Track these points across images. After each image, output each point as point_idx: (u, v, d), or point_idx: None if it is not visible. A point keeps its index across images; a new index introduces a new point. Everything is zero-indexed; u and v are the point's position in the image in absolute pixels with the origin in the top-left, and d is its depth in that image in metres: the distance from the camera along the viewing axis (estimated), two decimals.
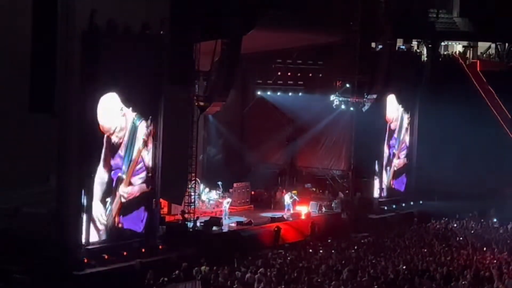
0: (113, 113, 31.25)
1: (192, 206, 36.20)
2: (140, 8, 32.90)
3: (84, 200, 30.60)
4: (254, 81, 47.57)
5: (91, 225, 29.84)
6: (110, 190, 31.01)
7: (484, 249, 35.74)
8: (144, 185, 32.23)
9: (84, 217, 30.65)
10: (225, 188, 42.61)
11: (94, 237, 29.98)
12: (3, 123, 31.79)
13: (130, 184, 31.72)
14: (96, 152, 30.25)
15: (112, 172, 30.74)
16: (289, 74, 47.04)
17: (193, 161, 36.30)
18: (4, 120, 31.71)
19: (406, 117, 49.38)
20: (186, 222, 35.84)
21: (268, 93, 47.56)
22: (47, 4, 29.33)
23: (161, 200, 35.02)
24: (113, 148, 30.82)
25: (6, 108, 31.50)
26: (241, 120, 48.87)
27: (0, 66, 31.50)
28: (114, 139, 31.16)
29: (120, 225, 30.45)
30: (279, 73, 47.04)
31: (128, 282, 29.34)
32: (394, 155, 48.35)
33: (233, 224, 38.64)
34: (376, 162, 46.76)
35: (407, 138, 49.55)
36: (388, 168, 47.75)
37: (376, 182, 46.77)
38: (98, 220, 30.42)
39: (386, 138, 47.66)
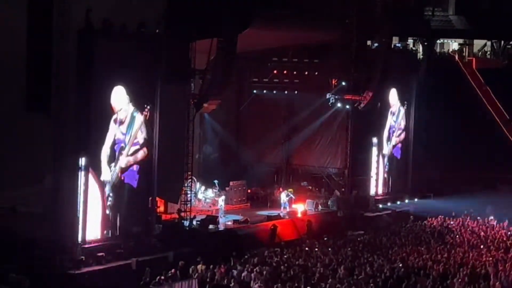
0: (121, 96, 31.72)
1: (189, 205, 36.20)
2: (136, 7, 32.92)
3: (80, 199, 30.67)
4: (250, 79, 47.56)
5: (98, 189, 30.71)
6: (114, 158, 31.53)
7: (481, 246, 35.76)
8: (138, 155, 32.39)
9: (80, 216, 30.68)
10: (222, 187, 42.61)
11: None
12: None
13: (128, 155, 32.11)
14: (105, 128, 31.06)
15: (116, 145, 31.51)
16: (285, 72, 47.02)
17: (189, 160, 36.30)
18: (0, 119, 31.68)
19: (402, 111, 49.27)
20: (183, 221, 35.85)
21: (264, 91, 47.54)
22: (42, 3, 29.33)
23: (157, 198, 35.01)
24: (118, 126, 31.70)
25: (2, 107, 31.49)
26: (237, 118, 48.86)
27: None
28: (120, 117, 31.84)
29: (122, 178, 31.33)
30: (275, 72, 46.99)
31: (125, 281, 29.32)
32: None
33: (229, 223, 38.64)
34: (372, 158, 46.75)
35: (402, 123, 49.33)
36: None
37: (372, 180, 46.77)
38: (107, 181, 31.22)
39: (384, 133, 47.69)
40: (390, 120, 48.27)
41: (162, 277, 29.21)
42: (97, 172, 30.82)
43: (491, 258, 33.12)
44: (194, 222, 36.44)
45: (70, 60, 30.28)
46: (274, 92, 47.60)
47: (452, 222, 42.39)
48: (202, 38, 35.71)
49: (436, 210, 44.56)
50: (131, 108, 32.55)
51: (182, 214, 36.05)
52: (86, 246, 30.83)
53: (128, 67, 32.54)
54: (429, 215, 43.99)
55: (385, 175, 47.99)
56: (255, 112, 47.61)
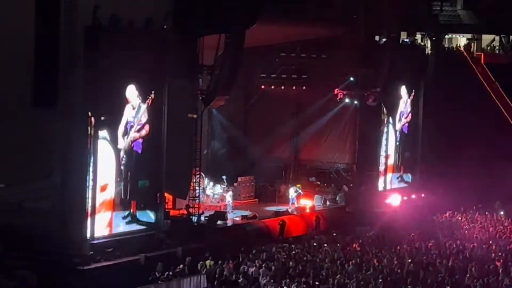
0: (132, 92, 32.22)
1: (197, 200, 36.21)
2: (144, 3, 32.89)
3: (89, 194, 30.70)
4: (258, 75, 47.44)
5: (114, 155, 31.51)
6: (126, 132, 31.89)
7: (490, 242, 35.69)
8: (142, 131, 32.62)
9: (89, 211, 30.71)
10: (230, 182, 42.59)
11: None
12: (7, 118, 31.81)
13: (135, 131, 32.45)
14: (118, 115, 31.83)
15: (127, 124, 32.09)
16: (292, 67, 46.93)
17: (197, 155, 36.28)
18: (8, 115, 31.74)
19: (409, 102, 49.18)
20: (191, 216, 35.84)
21: (272, 87, 47.46)
22: None
23: (165, 194, 35.02)
24: (129, 112, 32.13)
25: (10, 103, 31.55)
26: (245, 114, 48.80)
27: (4, 62, 31.52)
28: (133, 104, 32.47)
29: (132, 146, 31.96)
30: (282, 67, 46.91)
31: (133, 277, 29.33)
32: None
33: (237, 218, 38.66)
34: (381, 154, 46.68)
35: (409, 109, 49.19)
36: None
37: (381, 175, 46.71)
38: (121, 148, 31.87)
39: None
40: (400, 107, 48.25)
41: (171, 273, 29.27)
42: (115, 142, 31.45)
43: (500, 253, 33.08)
44: (203, 218, 36.42)
45: (77, 56, 30.27)
46: (282, 87, 47.53)
47: (460, 217, 42.34)
48: (210, 33, 35.67)
49: (445, 205, 44.48)
50: (139, 100, 32.56)
51: (191, 209, 36.06)
52: (95, 242, 30.84)
53: (136, 63, 32.51)
54: (437, 210, 43.93)
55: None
56: (263, 107, 47.56)
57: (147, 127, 32.81)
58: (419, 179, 49.49)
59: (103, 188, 31.29)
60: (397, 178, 48.45)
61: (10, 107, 31.58)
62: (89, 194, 30.70)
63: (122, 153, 31.96)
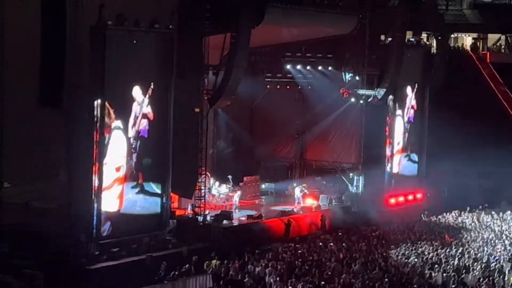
0: (138, 92, 32.36)
1: (203, 200, 36.24)
2: (149, 2, 32.97)
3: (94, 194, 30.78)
4: (263, 74, 47.46)
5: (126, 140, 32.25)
6: (135, 123, 32.24)
7: (496, 241, 35.66)
8: (145, 120, 32.82)
9: (95, 211, 30.77)
10: (235, 182, 42.61)
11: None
12: (13, 118, 31.89)
13: (140, 119, 32.67)
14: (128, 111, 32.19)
15: (135, 116, 32.39)
16: (298, 67, 46.92)
17: (203, 155, 36.31)
18: (14, 114, 31.81)
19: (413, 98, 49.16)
20: (197, 216, 35.87)
21: (278, 86, 47.46)
22: None
23: (171, 194, 35.05)
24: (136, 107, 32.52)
25: (16, 103, 31.62)
26: (250, 113, 48.81)
27: (10, 61, 31.60)
28: (138, 100, 32.78)
29: (139, 132, 32.56)
30: (288, 67, 46.89)
31: (139, 276, 29.39)
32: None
33: (243, 218, 38.66)
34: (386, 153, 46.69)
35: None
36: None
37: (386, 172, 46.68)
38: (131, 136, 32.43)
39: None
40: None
41: (176, 272, 29.30)
42: (126, 131, 31.84)
43: (505, 253, 33.05)
44: (208, 218, 36.46)
45: (83, 56, 30.34)
46: (288, 87, 47.52)
47: (466, 217, 42.31)
48: (215, 33, 35.69)
49: (451, 205, 44.47)
50: (143, 97, 32.70)
51: (196, 209, 36.09)
52: (101, 241, 30.91)
53: (141, 62, 32.58)
54: (443, 209, 43.91)
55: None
56: (269, 107, 47.49)
57: (151, 114, 33.04)
58: (425, 160, 49.43)
59: (118, 169, 31.91)
60: (405, 157, 48.36)
61: (17, 107, 31.65)
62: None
63: (132, 140, 32.37)
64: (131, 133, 32.44)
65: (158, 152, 33.59)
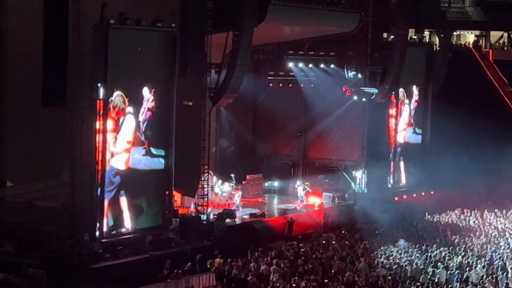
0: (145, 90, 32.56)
1: (206, 199, 36.26)
2: (152, 1, 32.99)
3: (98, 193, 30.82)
4: (266, 72, 47.44)
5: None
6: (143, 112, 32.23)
7: (499, 239, 35.65)
8: (149, 112, 33.08)
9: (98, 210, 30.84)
10: (238, 180, 42.62)
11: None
12: (16, 118, 31.93)
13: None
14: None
15: (142, 107, 32.43)
16: (300, 65, 46.90)
17: (206, 154, 36.33)
18: (17, 114, 31.85)
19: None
20: (200, 215, 35.89)
21: (280, 84, 47.43)
22: None
23: (174, 192, 35.08)
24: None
25: (19, 102, 31.66)
26: (253, 112, 48.81)
27: (13, 61, 31.65)
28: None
29: (145, 118, 32.49)
30: (290, 64, 46.88)
31: (142, 275, 29.41)
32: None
33: (246, 216, 38.67)
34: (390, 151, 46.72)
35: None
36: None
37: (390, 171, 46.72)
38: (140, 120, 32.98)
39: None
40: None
41: (180, 271, 29.32)
42: (137, 115, 32.10)
43: (509, 250, 33.06)
44: (211, 216, 36.48)
45: (85, 55, 30.35)
46: (290, 85, 47.52)
47: (470, 214, 42.28)
48: (218, 31, 35.69)
49: (454, 202, 44.44)
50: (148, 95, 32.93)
51: (199, 208, 36.11)
52: (104, 240, 30.94)
53: (144, 61, 32.60)
54: (446, 207, 43.88)
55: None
56: (271, 105, 47.49)
57: (152, 103, 33.21)
58: (429, 134, 49.83)
59: (128, 142, 32.29)
60: (411, 131, 48.69)
61: (20, 107, 31.69)
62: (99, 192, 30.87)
63: (140, 123, 32.65)
64: (141, 117, 32.81)
65: (162, 125, 33.85)
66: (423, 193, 48.04)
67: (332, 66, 45.99)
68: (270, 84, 47.51)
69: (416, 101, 48.85)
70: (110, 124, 31.32)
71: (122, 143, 32.16)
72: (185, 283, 28.77)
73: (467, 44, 60.38)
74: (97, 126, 30.68)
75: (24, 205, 31.92)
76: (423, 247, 33.59)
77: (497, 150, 49.50)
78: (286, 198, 43.78)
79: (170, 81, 33.68)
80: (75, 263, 29.49)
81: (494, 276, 28.47)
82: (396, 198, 46.31)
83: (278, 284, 27.82)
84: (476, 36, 61.31)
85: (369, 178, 45.62)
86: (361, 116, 45.90)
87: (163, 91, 33.38)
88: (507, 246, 33.88)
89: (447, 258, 31.24)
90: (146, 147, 33.13)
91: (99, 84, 30.61)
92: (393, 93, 46.33)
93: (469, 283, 28.19)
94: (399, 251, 32.78)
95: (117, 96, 31.57)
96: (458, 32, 60.66)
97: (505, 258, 31.34)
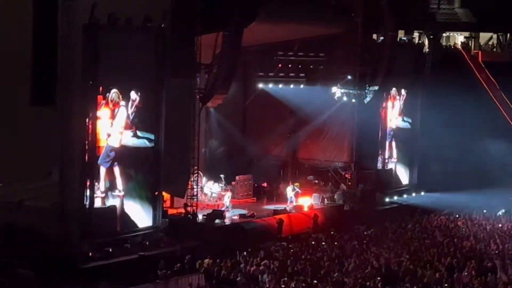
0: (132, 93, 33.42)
1: (195, 199, 36.22)
2: (141, 1, 32.97)
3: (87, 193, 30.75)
4: (256, 73, 47.35)
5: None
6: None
7: (488, 240, 35.71)
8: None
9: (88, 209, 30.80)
10: (228, 181, 42.58)
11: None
12: (5, 117, 31.84)
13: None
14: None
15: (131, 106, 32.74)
16: (290, 66, 46.92)
17: (195, 154, 36.31)
18: (6, 114, 31.77)
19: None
20: (189, 215, 35.84)
21: (270, 85, 47.38)
22: None
23: (163, 193, 35.04)
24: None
25: (8, 102, 31.57)
26: (242, 112, 48.78)
27: (2, 60, 31.54)
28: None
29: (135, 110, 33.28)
30: (280, 65, 46.89)
31: (132, 275, 29.36)
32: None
33: (235, 217, 38.62)
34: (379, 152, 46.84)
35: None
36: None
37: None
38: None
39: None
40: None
41: (169, 271, 29.28)
42: (127, 107, 32.71)
43: (498, 251, 33.11)
44: (201, 216, 36.45)
45: (75, 54, 30.29)
46: (280, 86, 47.48)
47: (458, 216, 42.35)
48: (208, 32, 35.68)
49: (443, 204, 44.53)
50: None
51: (189, 208, 36.07)
52: (94, 240, 30.87)
53: (134, 61, 32.57)
54: (435, 208, 43.96)
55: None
56: (261, 106, 47.52)
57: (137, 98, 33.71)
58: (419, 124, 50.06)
59: (122, 127, 33.13)
60: (401, 119, 49.05)
61: (9, 106, 31.61)
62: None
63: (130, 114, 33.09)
64: (130, 110, 33.15)
65: (151, 125, 34.38)
66: (413, 194, 48.16)
67: (321, 67, 46.07)
68: (260, 85, 47.44)
69: (404, 101, 48.96)
70: (107, 113, 32.09)
71: (117, 128, 32.89)
72: (175, 284, 28.75)
73: (456, 45, 60.50)
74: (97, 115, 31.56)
75: (13, 205, 31.81)
76: (412, 248, 33.61)
77: (484, 151, 49.68)
78: (276, 199, 43.71)
79: (159, 81, 33.66)
80: (65, 264, 29.40)
81: (483, 277, 28.47)
82: (387, 199, 46.37)
83: (267, 285, 27.80)
84: (465, 37, 61.43)
85: (358, 178, 45.66)
86: (350, 117, 45.92)
87: (152, 91, 33.35)
88: (496, 247, 33.92)
89: (436, 259, 31.25)
90: (134, 129, 33.86)
91: (91, 82, 30.73)
92: (384, 94, 46.52)
93: (459, 284, 28.19)
94: (389, 252, 32.79)
95: (114, 93, 32.15)
96: (447, 34, 60.76)
97: (494, 259, 31.36)
